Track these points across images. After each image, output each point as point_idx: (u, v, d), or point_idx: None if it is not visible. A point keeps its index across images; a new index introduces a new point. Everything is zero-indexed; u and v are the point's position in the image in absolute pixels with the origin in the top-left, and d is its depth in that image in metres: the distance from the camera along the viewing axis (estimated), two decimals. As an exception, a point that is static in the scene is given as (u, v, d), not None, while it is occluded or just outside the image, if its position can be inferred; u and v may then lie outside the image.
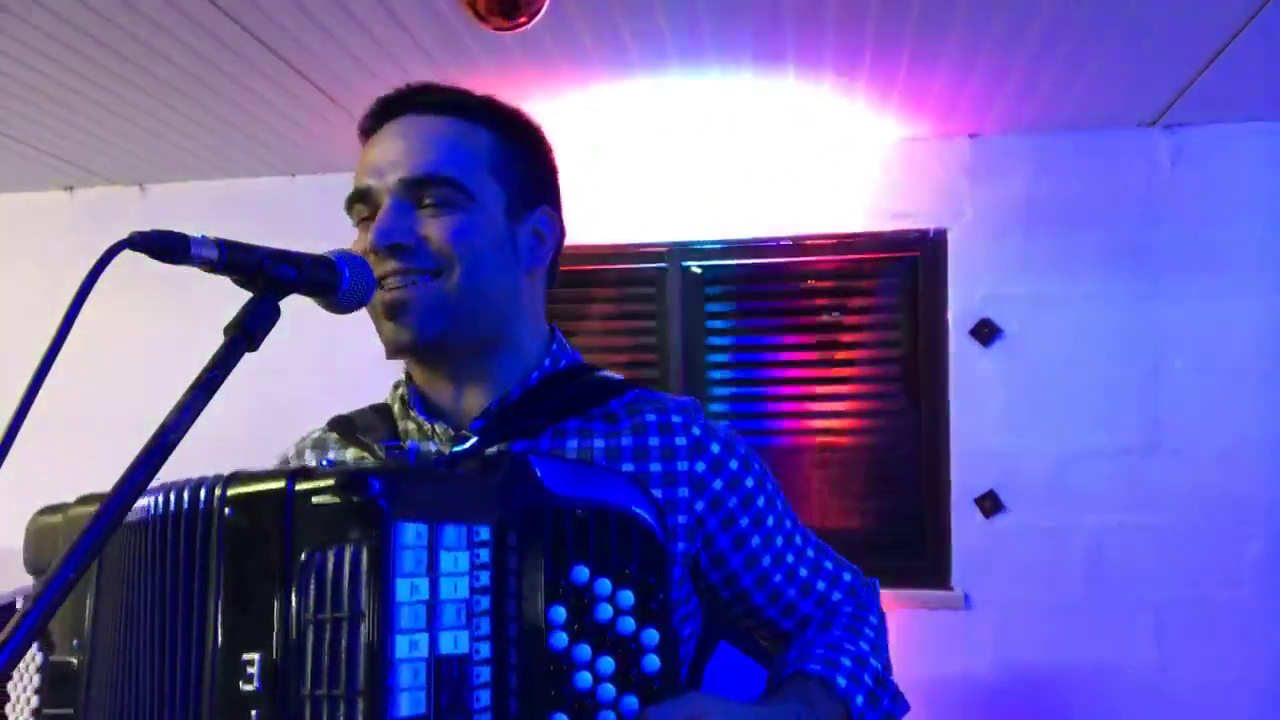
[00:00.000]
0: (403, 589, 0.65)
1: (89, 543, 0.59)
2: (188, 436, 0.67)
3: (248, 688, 0.66)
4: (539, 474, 0.76)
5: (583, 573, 0.74)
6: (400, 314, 0.85)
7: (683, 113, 2.70)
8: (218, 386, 0.69)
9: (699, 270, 3.09)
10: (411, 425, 0.93)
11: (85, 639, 0.81)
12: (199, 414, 0.67)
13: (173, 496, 0.74)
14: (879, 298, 3.08)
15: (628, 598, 0.74)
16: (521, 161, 0.92)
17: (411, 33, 2.12)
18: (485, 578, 0.71)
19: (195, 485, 0.74)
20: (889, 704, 0.92)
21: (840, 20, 2.08)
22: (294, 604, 0.66)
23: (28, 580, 0.96)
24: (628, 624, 0.74)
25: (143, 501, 0.75)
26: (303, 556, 0.66)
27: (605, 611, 0.74)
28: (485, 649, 0.70)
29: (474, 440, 0.86)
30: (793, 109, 2.67)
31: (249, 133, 2.80)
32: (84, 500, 0.84)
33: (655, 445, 0.89)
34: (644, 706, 0.73)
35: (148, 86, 2.40)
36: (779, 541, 0.95)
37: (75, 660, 0.81)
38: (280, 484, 0.69)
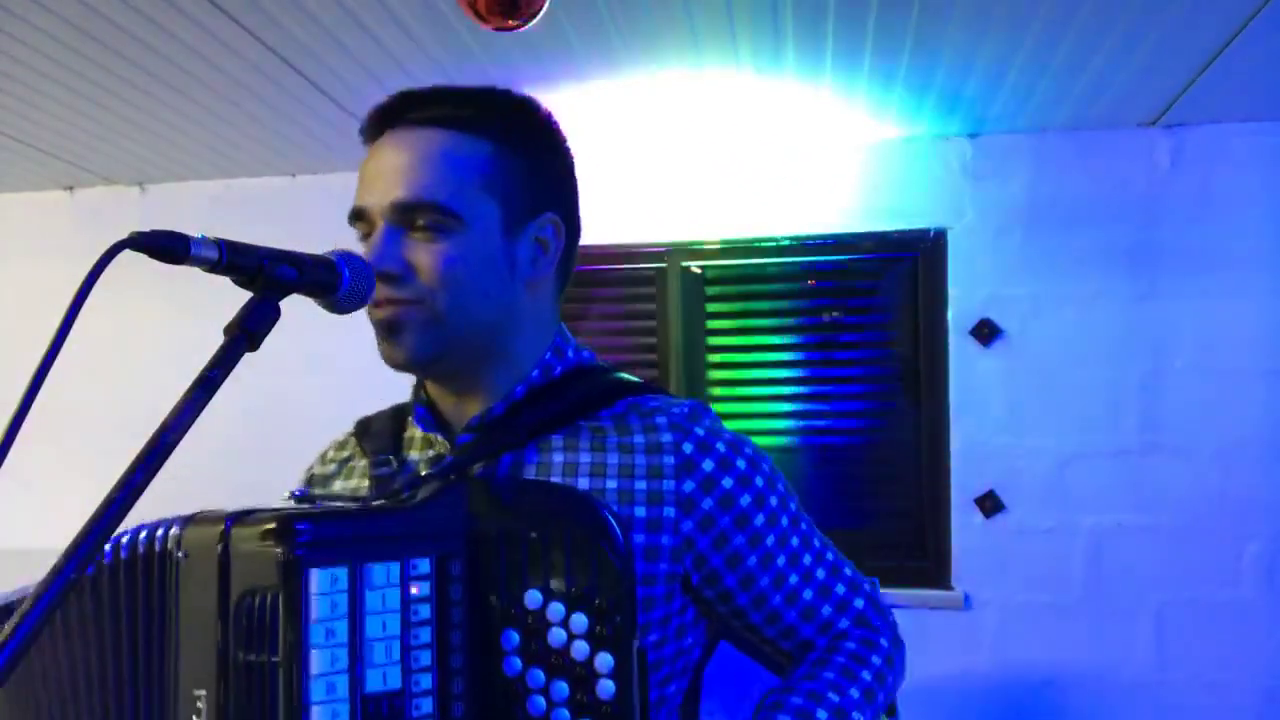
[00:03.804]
0: (316, 634, 0.66)
1: (90, 543, 0.59)
2: (188, 436, 0.67)
3: None
4: (493, 494, 0.76)
5: (536, 596, 0.73)
6: (393, 334, 0.85)
7: (682, 113, 2.70)
8: (218, 386, 0.69)
9: (699, 270, 3.09)
10: (418, 433, 0.94)
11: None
12: (199, 414, 0.67)
13: (137, 538, 0.77)
14: (879, 298, 3.08)
15: (581, 622, 0.73)
16: (522, 170, 0.89)
17: (411, 33, 2.12)
18: (425, 610, 0.71)
19: (155, 529, 0.77)
20: None
21: (840, 20, 2.08)
22: (231, 644, 0.69)
23: (27, 580, 0.96)
24: (582, 648, 0.73)
25: (108, 549, 0.79)
26: (236, 598, 0.69)
27: (559, 636, 0.73)
28: (426, 681, 0.71)
29: (448, 457, 0.86)
30: (793, 109, 2.67)
31: (249, 133, 2.80)
32: None
33: (641, 463, 0.86)
34: None
35: (148, 86, 2.40)
36: (780, 562, 0.91)
37: None
38: (219, 528, 0.71)
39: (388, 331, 0.85)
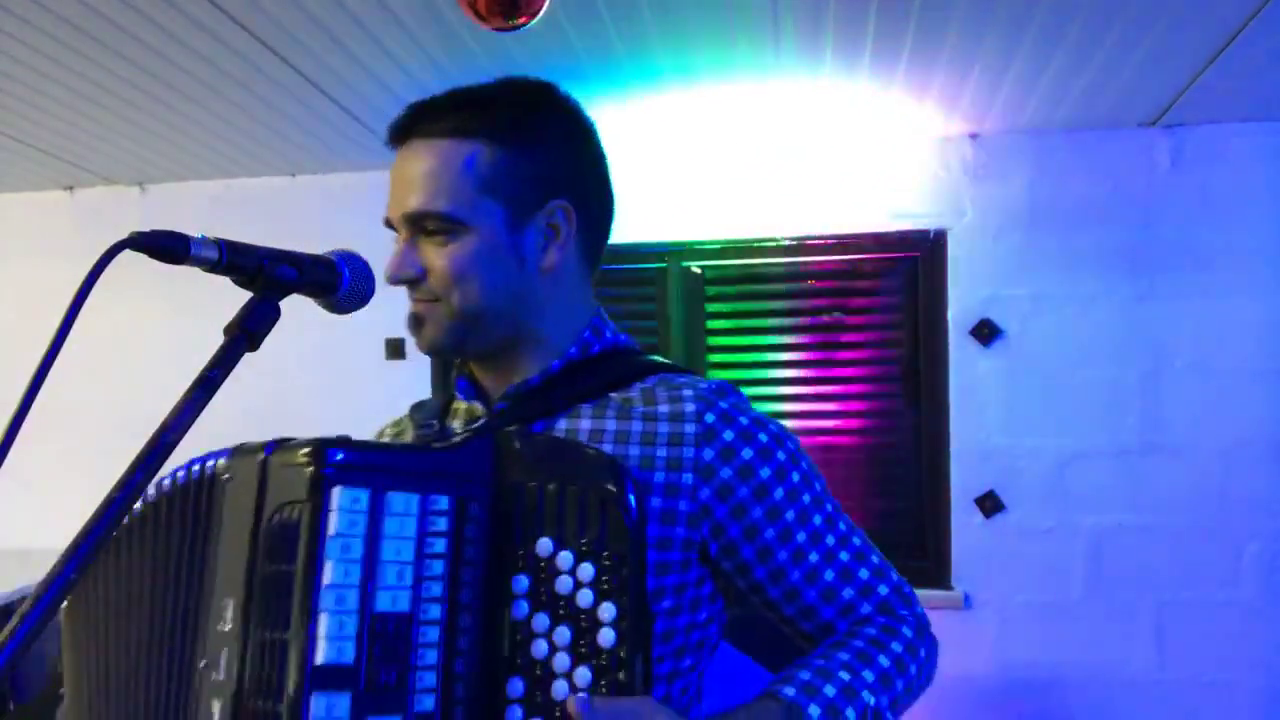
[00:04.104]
0: (333, 547, 0.70)
1: (91, 541, 0.59)
2: (188, 436, 0.67)
3: (225, 627, 0.73)
4: (517, 448, 0.80)
5: (547, 545, 0.77)
6: (417, 327, 0.94)
7: (682, 113, 2.70)
8: (218, 386, 0.69)
9: (699, 270, 3.09)
10: (461, 405, 1.01)
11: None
12: (199, 413, 0.67)
13: (190, 470, 0.83)
14: (879, 298, 3.08)
15: (588, 571, 0.75)
16: (524, 165, 0.92)
17: (411, 33, 2.12)
18: (440, 544, 0.75)
19: (205, 460, 0.83)
20: None
21: (840, 21, 2.08)
22: (259, 556, 0.73)
23: (28, 580, 0.98)
24: (586, 597, 0.75)
25: (165, 479, 0.84)
26: (267, 515, 0.74)
27: (565, 583, 0.76)
28: (435, 610, 0.74)
29: (483, 419, 0.94)
30: (792, 109, 2.68)
31: (249, 133, 2.80)
32: None
33: (664, 431, 0.90)
34: (596, 682, 0.74)
35: (148, 86, 2.40)
36: (800, 538, 0.91)
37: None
38: (260, 454, 0.76)
39: (414, 325, 0.94)
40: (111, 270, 0.63)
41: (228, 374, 0.70)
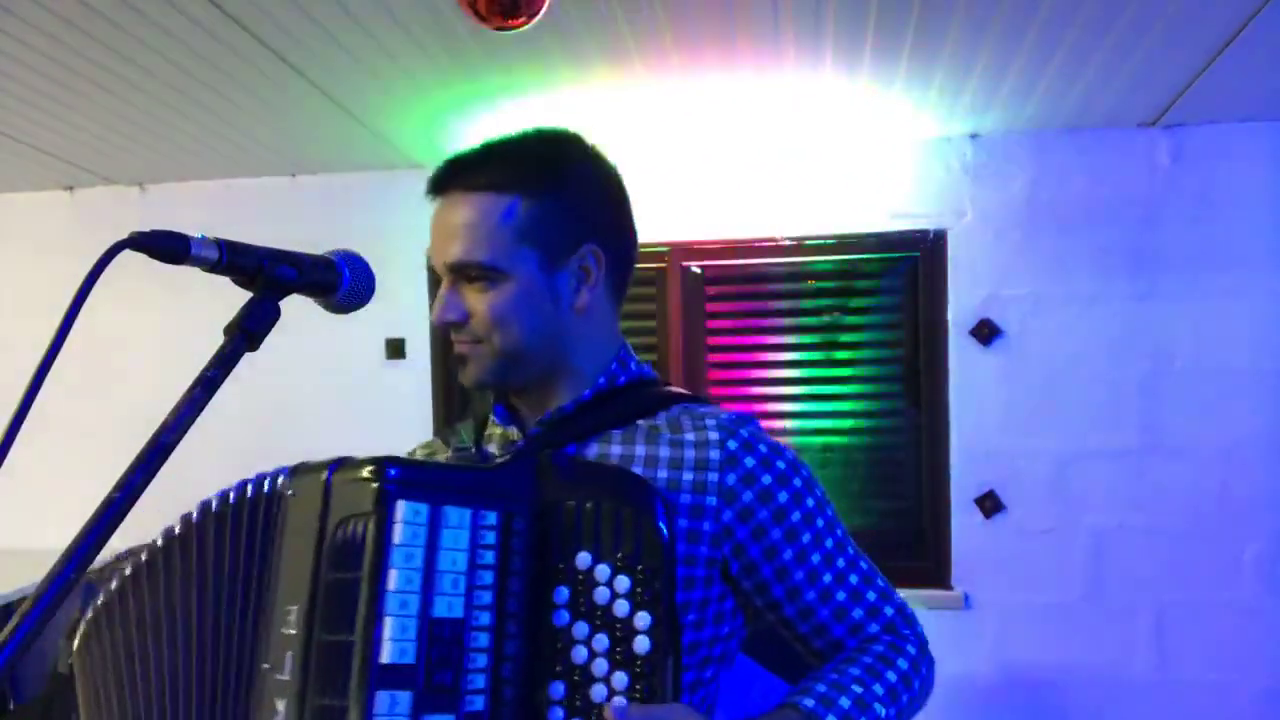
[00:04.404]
0: (397, 556, 0.75)
1: (88, 544, 0.59)
2: (188, 436, 0.67)
3: (289, 631, 0.78)
4: (557, 470, 0.86)
5: (585, 558, 0.82)
6: (462, 365, 1.01)
7: (683, 113, 2.70)
8: (218, 386, 0.69)
9: (699, 270, 3.09)
10: (497, 429, 1.07)
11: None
12: (199, 414, 0.67)
13: (246, 486, 0.87)
14: (879, 298, 3.08)
15: (624, 583, 0.81)
16: (555, 214, 0.98)
17: (411, 33, 2.12)
18: (490, 556, 0.80)
19: (264, 478, 0.87)
20: None
21: (840, 20, 2.08)
22: (323, 565, 0.78)
23: (28, 580, 0.98)
24: (623, 606, 0.81)
25: (216, 497, 0.88)
26: (331, 527, 0.78)
27: (603, 594, 0.82)
28: (485, 618, 0.79)
29: (519, 443, 1.01)
30: (793, 109, 2.68)
31: (249, 133, 2.80)
32: None
33: (690, 457, 0.96)
34: (632, 686, 0.79)
35: (148, 86, 2.40)
36: (815, 559, 0.98)
37: None
38: (324, 472, 0.81)
39: (459, 363, 1.02)
40: (111, 270, 0.63)
41: (228, 374, 0.70)
